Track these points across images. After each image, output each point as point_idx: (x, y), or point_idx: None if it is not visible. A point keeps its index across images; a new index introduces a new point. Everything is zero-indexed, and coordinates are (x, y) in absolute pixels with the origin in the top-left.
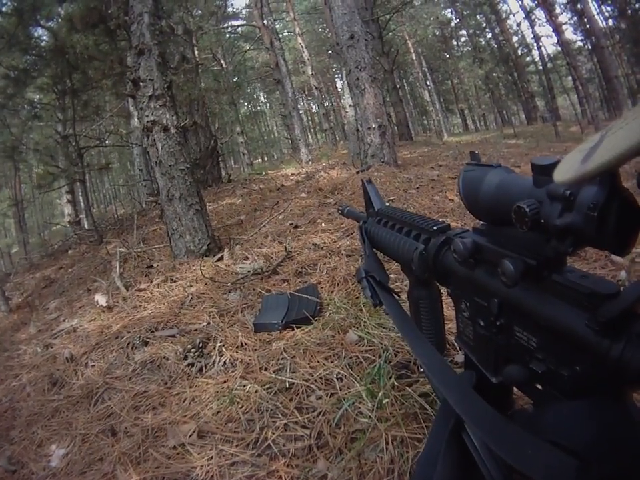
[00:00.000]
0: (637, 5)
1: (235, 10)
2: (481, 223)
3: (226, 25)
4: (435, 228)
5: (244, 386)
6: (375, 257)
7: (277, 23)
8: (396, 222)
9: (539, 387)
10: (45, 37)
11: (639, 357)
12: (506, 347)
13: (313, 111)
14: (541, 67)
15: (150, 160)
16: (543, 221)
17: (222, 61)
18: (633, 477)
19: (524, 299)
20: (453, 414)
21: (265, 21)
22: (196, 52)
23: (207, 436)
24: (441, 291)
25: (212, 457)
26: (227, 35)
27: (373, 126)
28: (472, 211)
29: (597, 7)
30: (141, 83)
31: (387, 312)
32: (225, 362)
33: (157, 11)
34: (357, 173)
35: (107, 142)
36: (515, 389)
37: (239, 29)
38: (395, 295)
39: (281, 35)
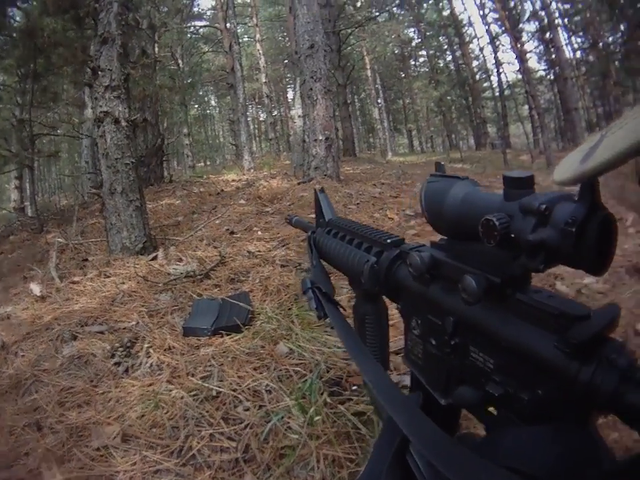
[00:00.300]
0: (610, 39)
1: (200, 10)
2: (440, 237)
3: (189, 24)
4: (388, 241)
5: (170, 391)
6: (322, 269)
7: (238, 28)
8: (347, 233)
9: (493, 410)
10: (18, 18)
11: (609, 381)
12: (459, 367)
13: (261, 119)
14: (497, 94)
15: (97, 152)
16: (513, 235)
17: (179, 61)
18: None
19: (484, 318)
20: (397, 434)
21: (227, 24)
22: (156, 48)
23: (131, 440)
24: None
25: (135, 462)
26: (189, 35)
27: (320, 138)
28: (433, 224)
29: (566, 38)
30: (99, 72)
31: (332, 325)
32: (151, 364)
33: (127, 2)
34: (298, 184)
35: (59, 131)
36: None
37: (201, 29)
38: (340, 308)
39: (240, 40)
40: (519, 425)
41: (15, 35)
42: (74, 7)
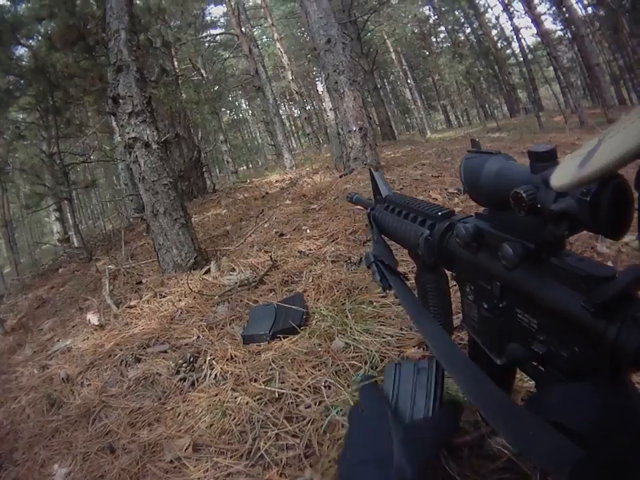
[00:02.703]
0: None
1: (213, 19)
2: (483, 208)
3: (204, 34)
4: (439, 214)
5: (235, 398)
6: (383, 243)
7: (255, 30)
8: (403, 208)
9: (541, 367)
10: (25, 58)
11: (635, 339)
12: (509, 328)
13: (295, 115)
14: (521, 59)
15: (134, 176)
16: (539, 205)
17: (202, 70)
18: (634, 458)
19: (524, 282)
20: None
21: (242, 29)
22: (175, 63)
23: (202, 449)
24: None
25: (208, 469)
26: (206, 45)
27: (354, 129)
28: (473, 196)
29: None
30: (120, 100)
31: (396, 295)
32: (215, 375)
33: (134, 27)
34: (340, 177)
35: (91, 157)
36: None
37: (218, 37)
38: (403, 279)
39: (260, 41)
40: (563, 381)
41: (25, 73)
42: (81, 38)
